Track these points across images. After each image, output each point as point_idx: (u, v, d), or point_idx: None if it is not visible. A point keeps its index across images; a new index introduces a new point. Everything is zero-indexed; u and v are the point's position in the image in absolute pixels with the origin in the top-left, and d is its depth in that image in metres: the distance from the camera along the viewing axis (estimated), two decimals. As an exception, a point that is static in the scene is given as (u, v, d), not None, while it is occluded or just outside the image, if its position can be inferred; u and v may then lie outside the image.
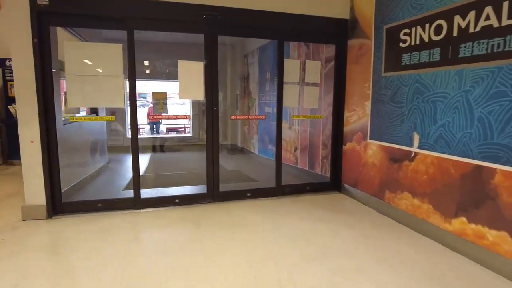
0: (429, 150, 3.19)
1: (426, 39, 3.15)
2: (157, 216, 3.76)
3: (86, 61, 3.62)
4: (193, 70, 3.94)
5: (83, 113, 6.07)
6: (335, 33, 4.41)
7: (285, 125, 6.32)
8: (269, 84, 7.08)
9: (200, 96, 4.04)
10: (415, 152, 3.37)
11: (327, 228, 3.43)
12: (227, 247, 2.99)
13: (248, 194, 4.40)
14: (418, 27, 3.24)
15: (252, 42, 8.15)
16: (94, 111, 6.20)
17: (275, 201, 4.32)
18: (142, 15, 3.69)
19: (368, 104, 4.05)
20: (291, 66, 4.37)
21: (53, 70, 3.52)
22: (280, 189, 4.51)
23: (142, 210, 3.91)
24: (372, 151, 4.01)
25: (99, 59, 3.67)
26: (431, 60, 3.12)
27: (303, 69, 4.58)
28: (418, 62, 3.27)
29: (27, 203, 3.58)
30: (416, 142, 3.35)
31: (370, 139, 4.04)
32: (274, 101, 6.98)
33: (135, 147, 3.95)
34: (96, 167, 5.77)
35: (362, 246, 3.05)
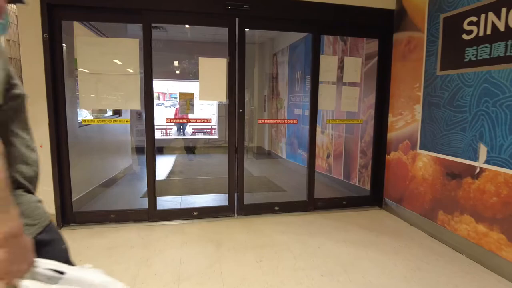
0: (502, 166, 2.56)
1: (502, 28, 2.52)
2: (173, 231, 3.35)
3: (100, 58, 3.28)
4: (215, 68, 3.51)
5: (109, 113, 5.84)
6: (378, 25, 3.83)
7: (317, 129, 5.77)
8: (300, 84, 6.55)
9: (223, 97, 3.60)
10: (481, 168, 2.75)
11: (369, 256, 2.87)
12: (250, 281, 2.52)
13: (276, 208, 3.91)
14: (490, 14, 2.62)
15: (282, 39, 7.65)
16: (117, 111, 5.96)
17: (307, 217, 3.80)
18: (159, 6, 3.30)
19: (419, 108, 3.44)
20: (327, 64, 3.83)
21: (75, 69, 3.22)
22: (312, 203, 3.99)
23: (157, 223, 3.53)
24: (422, 163, 3.40)
25: (114, 56, 3.32)
26: (508, 54, 2.49)
27: (340, 67, 4.03)
28: (488, 57, 2.64)
29: (35, 213, 3.30)
30: (483, 155, 2.72)
31: (420, 149, 3.43)
32: (305, 102, 6.44)
33: (151, 152, 3.56)
34: (117, 170, 5.51)
35: (415, 283, 2.47)
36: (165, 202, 4.22)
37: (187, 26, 7.28)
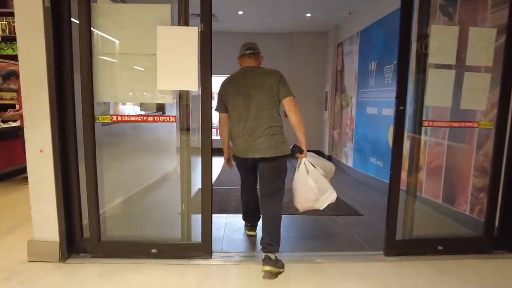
0: None
1: None
2: (229, 274, 2.32)
3: (118, 34, 2.35)
4: (180, 42, 2.23)
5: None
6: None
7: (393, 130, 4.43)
8: (374, 77, 5.22)
9: (192, 84, 2.27)
10: None
11: None
12: None
13: (440, 248, 2.70)
14: None
15: (350, 25, 6.34)
16: (160, 107, 5.17)
17: (389, 268, 2.55)
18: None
19: None
20: (440, 37, 2.53)
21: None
22: (393, 246, 2.71)
23: (211, 261, 2.50)
24: None
25: (140, 32, 2.37)
26: None
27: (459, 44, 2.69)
28: None
29: (35, 238, 2.47)
30: None
31: None
32: (381, 99, 5.09)
33: (207, 158, 2.45)
34: (158, 175, 4.69)
35: None
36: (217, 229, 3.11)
37: (240, 12, 6.31)
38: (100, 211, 2.48)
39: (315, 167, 2.36)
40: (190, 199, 2.57)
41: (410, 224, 2.64)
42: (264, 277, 2.16)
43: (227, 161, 2.68)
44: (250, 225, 2.87)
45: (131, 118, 2.22)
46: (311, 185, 2.28)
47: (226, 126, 2.51)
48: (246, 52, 2.52)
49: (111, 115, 2.17)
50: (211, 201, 2.46)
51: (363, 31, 5.73)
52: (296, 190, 2.38)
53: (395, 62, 4.55)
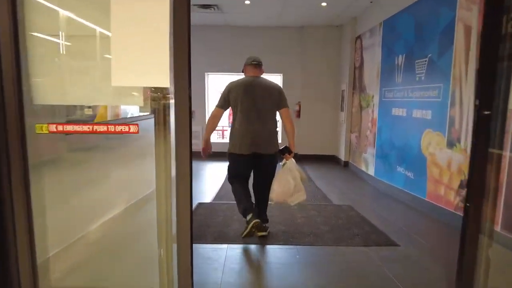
0: None
1: None
2: None
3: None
4: (144, 21, 1.42)
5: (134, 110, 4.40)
6: None
7: (436, 137, 3.67)
8: (401, 73, 4.46)
9: (161, 79, 1.52)
10: None
11: None
12: None
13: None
14: None
15: (371, 16, 5.58)
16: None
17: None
18: None
19: None
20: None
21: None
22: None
23: None
24: None
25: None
26: None
27: None
28: None
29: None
30: None
31: None
32: (413, 99, 4.25)
33: (184, 172, 1.82)
34: (140, 194, 4.00)
35: None
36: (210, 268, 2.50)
37: (247, 2, 5.60)
38: (48, 253, 1.79)
39: (296, 169, 2.73)
40: (171, 230, 1.85)
41: (485, 274, 1.88)
42: (261, 237, 2.79)
43: (204, 151, 2.88)
44: (252, 215, 2.72)
45: (75, 128, 1.48)
46: (290, 182, 2.63)
47: (217, 120, 2.85)
48: (252, 62, 2.87)
49: (48, 124, 1.46)
50: (191, 236, 1.71)
51: (387, 21, 4.96)
52: (275, 184, 2.70)
53: (430, 55, 3.79)
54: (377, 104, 5.22)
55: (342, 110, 6.75)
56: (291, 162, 2.74)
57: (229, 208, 3.79)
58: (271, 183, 2.73)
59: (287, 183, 2.65)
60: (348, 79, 6.44)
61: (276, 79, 7.62)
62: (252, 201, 2.86)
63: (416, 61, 4.07)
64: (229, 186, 2.97)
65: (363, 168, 5.73)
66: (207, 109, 7.46)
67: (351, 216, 3.59)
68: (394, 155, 4.64)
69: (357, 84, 6.19)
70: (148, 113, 1.76)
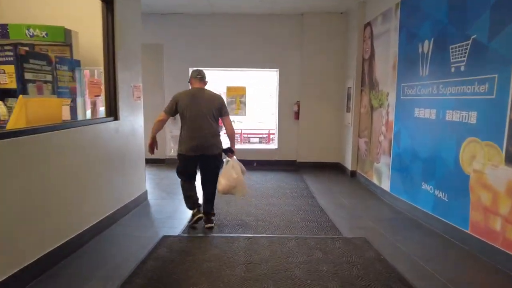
0: None
1: None
2: None
3: None
4: None
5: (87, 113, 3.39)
6: None
7: (486, 149, 2.65)
8: (427, 63, 3.44)
9: None
10: None
11: None
12: None
13: None
14: None
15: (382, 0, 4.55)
16: (113, 110, 3.50)
17: None
18: None
19: None
20: None
21: None
22: None
23: None
24: None
25: None
26: None
27: None
28: None
29: None
30: None
31: None
32: (447, 96, 3.16)
33: None
34: (107, 211, 3.03)
35: None
36: None
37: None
38: None
39: (238, 165, 3.15)
40: None
41: None
42: (208, 229, 3.15)
43: (151, 146, 3.19)
44: (197, 209, 3.23)
45: None
46: (233, 176, 3.08)
47: (163, 124, 3.20)
48: (197, 76, 3.19)
49: None
50: None
51: (406, 1, 3.94)
52: (221, 178, 3.11)
53: (474, 37, 2.77)
54: (393, 103, 4.20)
55: (348, 110, 5.73)
56: (233, 160, 3.19)
57: (204, 246, 2.78)
58: (217, 179, 3.15)
59: (231, 177, 3.08)
60: (355, 74, 5.42)
61: (271, 75, 6.60)
62: (198, 196, 3.27)
63: (452, 46, 3.05)
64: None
65: (375, 181, 4.71)
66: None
67: (369, 260, 2.56)
68: (417, 168, 3.62)
69: (367, 80, 5.17)
70: None
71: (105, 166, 3.21)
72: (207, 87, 3.30)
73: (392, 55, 4.24)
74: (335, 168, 6.10)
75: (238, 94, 6.61)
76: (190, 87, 3.24)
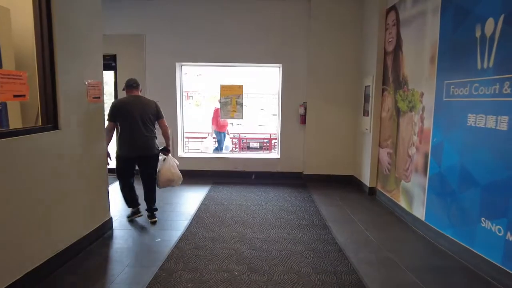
0: None
1: None
2: None
3: None
4: None
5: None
6: None
7: None
8: (490, 52, 2.43)
9: None
10: None
11: None
12: None
13: None
14: None
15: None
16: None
17: None
18: None
19: None
20: None
21: None
22: None
23: None
24: None
25: None
26: None
27: None
28: None
29: None
30: None
31: None
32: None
33: None
34: (36, 261, 2.00)
35: None
36: None
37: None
38: None
39: (173, 160, 3.52)
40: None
41: None
42: (153, 223, 3.37)
43: (108, 155, 3.27)
44: (136, 209, 3.48)
45: None
46: (171, 171, 3.44)
47: (113, 132, 3.34)
48: (133, 85, 3.39)
49: None
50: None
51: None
52: (160, 174, 3.42)
53: None
54: (430, 106, 3.19)
55: (365, 114, 4.72)
56: (169, 157, 3.52)
57: None
58: (155, 175, 3.46)
59: (169, 172, 3.45)
60: (375, 71, 4.41)
61: (272, 71, 5.60)
62: (136, 194, 3.48)
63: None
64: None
65: (403, 204, 3.71)
66: (179, 110, 5.46)
67: None
68: (473, 197, 2.61)
69: (390, 77, 4.16)
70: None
71: (33, 197, 2.23)
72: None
73: (430, 44, 3.23)
74: (348, 183, 5.10)
75: (234, 93, 5.61)
76: (125, 95, 3.40)
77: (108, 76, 5.33)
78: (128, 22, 5.13)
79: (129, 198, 3.45)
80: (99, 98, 3.02)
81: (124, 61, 5.24)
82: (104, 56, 5.29)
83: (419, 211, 3.37)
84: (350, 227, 3.39)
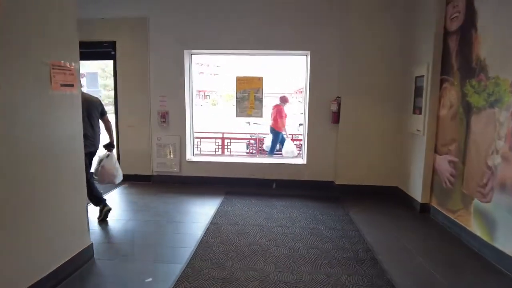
0: None
1: None
2: None
3: None
4: None
5: None
6: None
7: None
8: None
9: None
10: None
11: None
12: None
13: None
14: None
15: None
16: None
17: None
18: None
19: None
20: None
21: None
22: None
23: None
24: None
25: None
26: None
27: None
28: None
29: None
30: None
31: None
32: None
33: None
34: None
35: None
36: None
37: None
38: None
39: (115, 157, 3.55)
40: None
41: None
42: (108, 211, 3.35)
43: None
44: (105, 203, 3.36)
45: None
46: (115, 167, 3.47)
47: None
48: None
49: None
50: None
51: None
52: (105, 170, 3.39)
53: None
54: (533, 100, 2.24)
55: (416, 112, 3.77)
56: (113, 154, 3.49)
57: None
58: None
59: (114, 169, 3.45)
60: (431, 57, 3.47)
61: (299, 59, 4.72)
62: (100, 191, 3.40)
63: None
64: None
65: (475, 230, 2.77)
66: (188, 107, 4.67)
67: None
68: None
69: (455, 64, 3.21)
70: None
71: None
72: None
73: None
74: (392, 196, 4.16)
75: (252, 87, 4.77)
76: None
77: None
78: (128, 3, 4.36)
79: (98, 198, 3.33)
80: (72, 86, 2.23)
81: (125, 48, 4.48)
82: (102, 42, 4.57)
83: (503, 242, 2.44)
84: (410, 263, 2.49)
